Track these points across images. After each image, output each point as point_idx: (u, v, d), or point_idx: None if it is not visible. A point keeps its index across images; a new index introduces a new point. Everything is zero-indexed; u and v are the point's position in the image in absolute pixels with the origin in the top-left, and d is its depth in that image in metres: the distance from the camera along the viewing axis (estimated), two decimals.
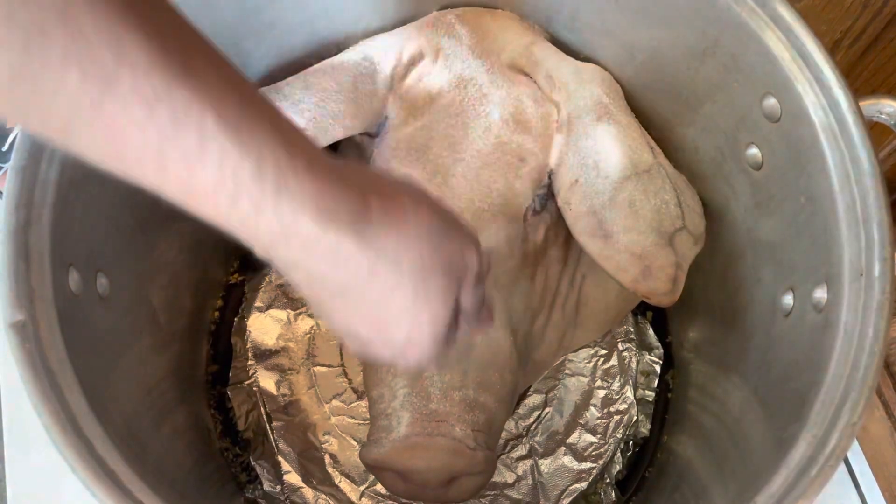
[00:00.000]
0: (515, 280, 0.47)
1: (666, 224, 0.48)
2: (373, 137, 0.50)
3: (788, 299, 0.43)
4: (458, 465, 0.42)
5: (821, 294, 0.40)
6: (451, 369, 0.42)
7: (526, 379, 0.55)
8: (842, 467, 0.66)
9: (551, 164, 0.48)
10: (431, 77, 0.49)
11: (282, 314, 0.60)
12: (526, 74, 0.50)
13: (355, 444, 0.56)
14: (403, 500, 0.54)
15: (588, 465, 0.56)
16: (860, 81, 0.58)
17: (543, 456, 0.56)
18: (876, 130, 0.57)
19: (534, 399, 0.58)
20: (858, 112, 0.39)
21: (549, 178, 0.49)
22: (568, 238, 0.52)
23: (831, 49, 0.58)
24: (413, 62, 0.50)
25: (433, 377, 0.42)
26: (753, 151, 0.46)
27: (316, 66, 0.50)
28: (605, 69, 0.52)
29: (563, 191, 0.48)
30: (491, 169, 0.47)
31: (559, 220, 0.50)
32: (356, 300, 0.27)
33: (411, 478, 0.43)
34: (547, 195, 0.49)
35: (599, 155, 0.47)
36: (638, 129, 0.50)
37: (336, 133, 0.47)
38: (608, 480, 0.57)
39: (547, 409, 0.57)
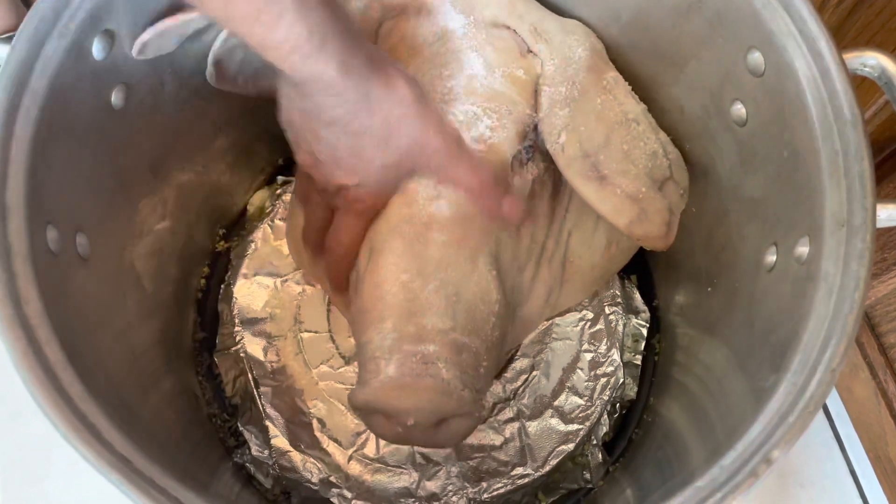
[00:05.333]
0: (503, 228, 0.46)
1: (656, 172, 0.48)
2: None
3: (772, 254, 0.43)
4: (446, 405, 0.41)
5: (803, 247, 0.40)
6: (440, 314, 0.42)
7: (514, 335, 0.55)
8: (827, 429, 0.67)
9: (540, 114, 0.48)
10: (414, 31, 0.49)
11: (268, 281, 0.60)
12: (509, 28, 0.49)
13: (343, 408, 0.56)
14: (392, 462, 0.55)
15: (575, 426, 0.56)
16: (847, 40, 0.57)
17: (531, 418, 0.56)
18: (862, 90, 0.57)
19: (521, 363, 0.58)
20: (842, 63, 0.39)
21: (535, 131, 0.48)
22: (554, 193, 0.51)
23: (819, 7, 0.57)
24: (392, 10, 0.49)
25: (422, 321, 0.42)
26: (738, 107, 0.46)
27: None
28: (591, 28, 0.52)
29: (553, 134, 0.47)
30: (476, 119, 0.46)
31: (546, 174, 0.50)
32: (342, 131, 0.40)
33: (399, 419, 0.43)
34: (533, 147, 0.48)
35: (592, 102, 0.47)
36: (623, 80, 0.50)
37: None
38: (595, 442, 0.57)
39: (534, 373, 0.57)
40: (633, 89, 0.52)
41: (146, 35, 0.44)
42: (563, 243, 0.53)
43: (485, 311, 0.43)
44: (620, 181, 0.47)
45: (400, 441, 0.45)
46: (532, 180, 0.49)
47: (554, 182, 0.51)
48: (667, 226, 0.48)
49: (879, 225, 0.38)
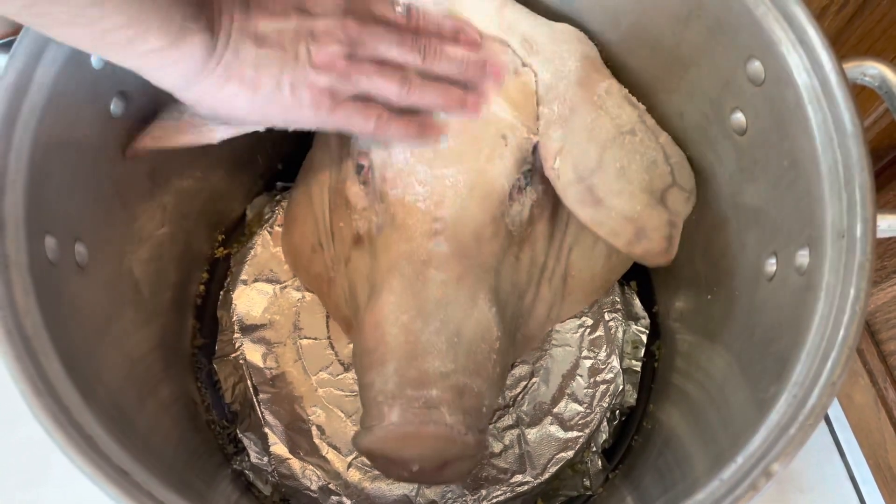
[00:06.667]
0: (502, 260, 0.46)
1: (656, 182, 0.48)
2: None
3: (772, 264, 0.43)
4: (450, 451, 0.42)
5: (803, 257, 0.40)
6: (441, 356, 0.42)
7: (515, 353, 0.55)
8: (827, 436, 0.67)
9: (541, 131, 0.47)
10: None
11: (267, 287, 0.60)
12: (501, 42, 0.48)
13: (342, 415, 0.56)
14: None
15: (574, 434, 0.56)
16: (847, 47, 0.57)
17: (530, 425, 0.56)
18: (862, 98, 0.57)
19: (521, 369, 0.58)
20: (842, 73, 0.39)
21: (533, 153, 0.48)
22: (554, 213, 0.51)
23: (818, 15, 0.57)
24: None
25: (424, 365, 0.41)
26: (738, 116, 0.46)
27: None
28: (590, 35, 0.52)
29: (549, 160, 0.47)
30: (475, 149, 0.46)
31: (544, 195, 0.50)
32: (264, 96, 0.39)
33: (404, 466, 0.43)
34: (531, 171, 0.48)
35: (583, 121, 0.47)
36: (618, 88, 0.49)
37: None
38: (594, 449, 0.57)
39: (534, 380, 0.57)
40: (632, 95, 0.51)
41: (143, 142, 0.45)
42: (563, 259, 0.53)
43: (486, 350, 0.43)
44: (615, 202, 0.46)
45: (405, 480, 0.46)
46: (531, 205, 0.48)
47: (553, 203, 0.51)
48: (667, 240, 0.48)
49: (879, 235, 0.38)
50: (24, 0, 0.30)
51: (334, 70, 0.40)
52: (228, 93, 0.38)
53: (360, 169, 0.48)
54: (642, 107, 0.51)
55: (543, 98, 0.47)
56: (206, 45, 0.36)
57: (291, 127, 0.42)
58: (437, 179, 0.45)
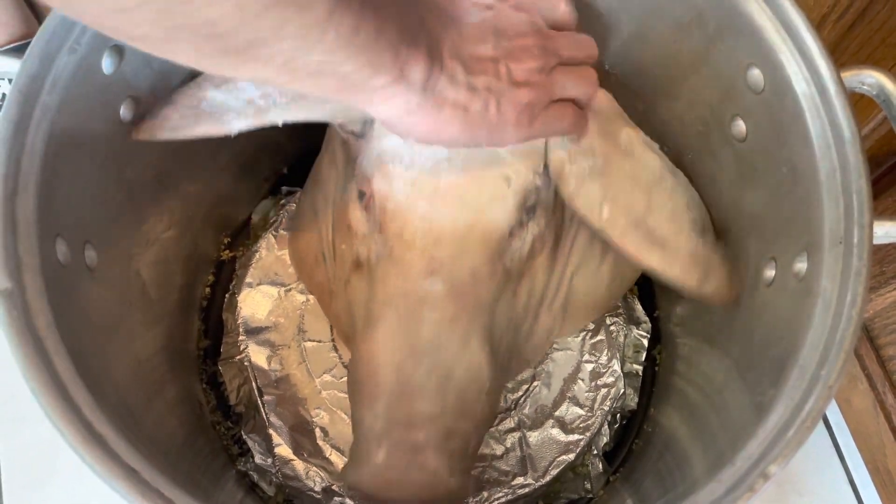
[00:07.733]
0: (499, 298, 0.46)
1: (698, 221, 0.47)
2: (358, 138, 0.48)
3: (771, 269, 0.44)
4: (434, 496, 0.42)
5: (801, 263, 0.40)
6: (430, 398, 0.42)
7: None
8: (826, 439, 0.67)
9: (573, 189, 0.45)
10: None
11: (272, 290, 0.60)
12: None
13: (346, 417, 0.57)
14: None
15: (575, 437, 0.56)
16: (846, 56, 0.58)
17: (531, 428, 0.57)
18: (860, 106, 0.58)
19: (522, 373, 0.58)
20: (840, 81, 0.40)
21: (537, 191, 0.46)
22: (556, 245, 0.50)
23: (818, 24, 0.58)
24: None
25: (412, 407, 0.42)
26: (738, 123, 0.46)
27: None
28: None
29: (594, 211, 0.45)
30: (476, 188, 0.45)
31: (546, 229, 0.49)
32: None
33: None
34: (535, 205, 0.46)
35: (621, 170, 0.46)
36: (635, 134, 0.48)
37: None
38: (595, 452, 0.57)
39: (535, 383, 0.58)
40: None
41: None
42: (564, 285, 0.53)
43: (475, 391, 0.43)
44: (680, 242, 0.46)
45: None
46: (532, 240, 0.47)
47: (556, 234, 0.50)
48: (729, 278, 0.47)
49: (877, 241, 0.38)
50: (284, 57, 0.30)
51: (533, 85, 0.40)
52: (442, 119, 0.37)
53: (362, 196, 0.47)
54: (656, 146, 0.49)
55: (565, 160, 0.45)
56: (425, 73, 0.35)
57: (494, 146, 0.42)
58: (436, 217, 0.44)
